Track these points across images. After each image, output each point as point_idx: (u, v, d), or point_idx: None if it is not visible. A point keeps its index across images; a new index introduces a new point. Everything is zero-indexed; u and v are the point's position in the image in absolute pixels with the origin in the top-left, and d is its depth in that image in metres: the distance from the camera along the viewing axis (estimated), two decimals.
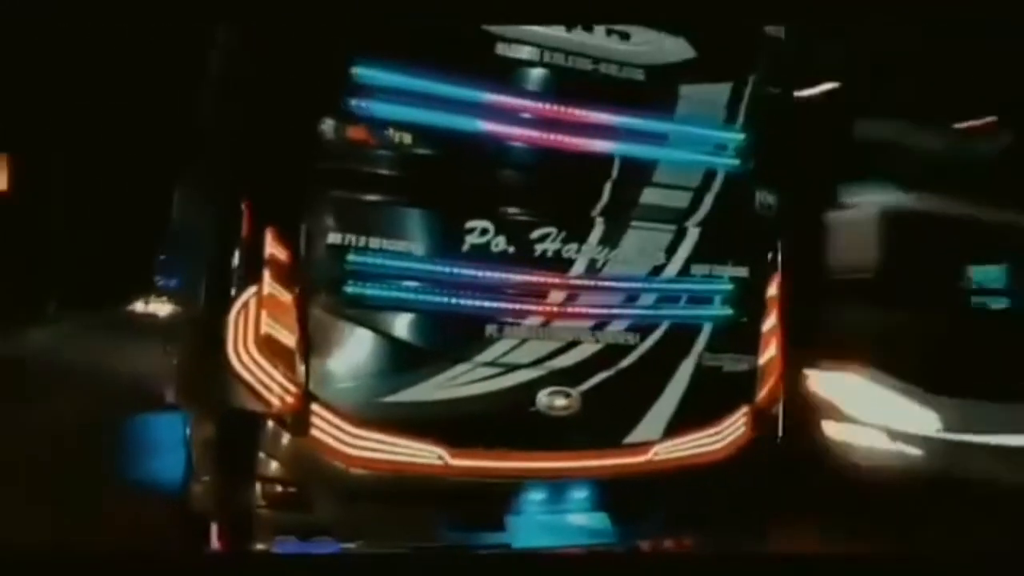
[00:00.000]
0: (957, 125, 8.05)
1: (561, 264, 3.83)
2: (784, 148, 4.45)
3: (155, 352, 12.37)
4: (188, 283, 6.21)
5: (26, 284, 29.58)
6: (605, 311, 3.94)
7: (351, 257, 3.53)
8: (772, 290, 4.32)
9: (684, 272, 4.08)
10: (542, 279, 3.80)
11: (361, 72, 3.51)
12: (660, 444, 3.96)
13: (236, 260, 3.59)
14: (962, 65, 9.42)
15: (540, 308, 3.81)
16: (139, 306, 44.16)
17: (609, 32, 3.87)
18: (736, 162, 4.20)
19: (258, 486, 3.48)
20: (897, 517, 5.28)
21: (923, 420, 5.74)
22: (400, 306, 3.64)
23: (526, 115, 3.77)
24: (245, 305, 3.46)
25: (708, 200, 4.11)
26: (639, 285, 4.01)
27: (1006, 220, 6.64)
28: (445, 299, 3.66)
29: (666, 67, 3.99)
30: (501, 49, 3.70)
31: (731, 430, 4.13)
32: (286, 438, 3.49)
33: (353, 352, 3.60)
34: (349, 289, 3.53)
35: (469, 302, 3.69)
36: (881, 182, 6.44)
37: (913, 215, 6.25)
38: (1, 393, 10.46)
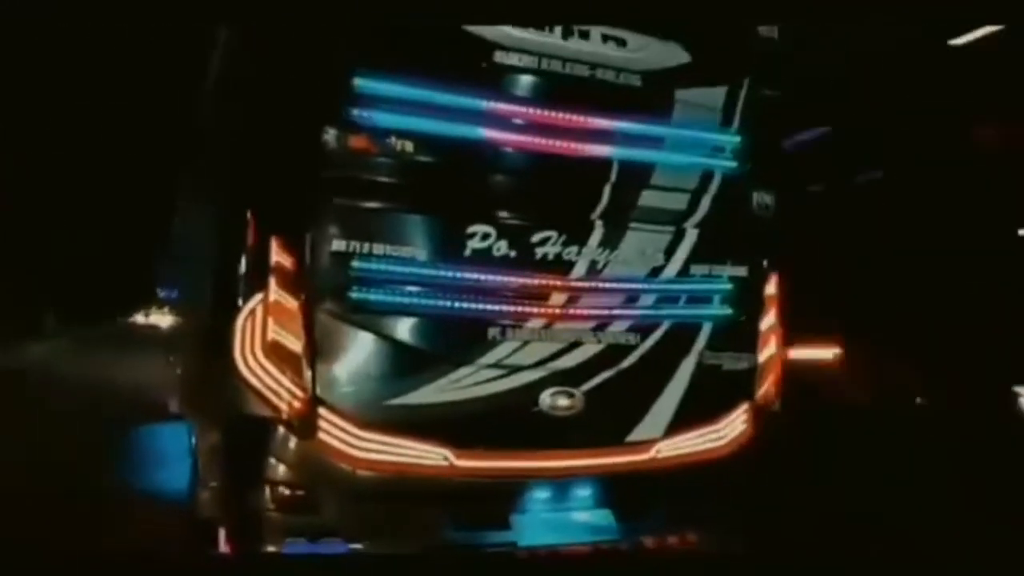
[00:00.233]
0: None
1: (562, 267, 3.89)
2: (779, 149, 4.52)
3: (157, 364, 12.42)
4: (191, 293, 6.26)
5: (24, 298, 29.49)
6: (606, 312, 4.00)
7: (355, 263, 3.58)
8: (770, 288, 4.38)
9: (683, 272, 4.14)
10: (543, 282, 3.86)
11: (362, 82, 3.58)
12: (662, 442, 4.02)
13: (242, 269, 3.64)
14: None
15: (542, 310, 3.87)
16: (140, 318, 44.07)
17: (605, 39, 3.94)
18: (733, 164, 4.27)
19: (267, 489, 3.54)
20: None
21: None
22: (404, 311, 3.69)
23: (525, 121, 3.84)
24: (252, 312, 3.52)
25: (706, 201, 4.18)
26: (639, 286, 4.07)
27: None
28: (448, 303, 3.72)
29: (662, 72, 4.06)
30: (499, 57, 3.77)
31: (732, 427, 4.19)
32: (294, 442, 3.54)
33: (358, 357, 3.65)
34: (354, 295, 3.59)
35: (472, 305, 3.75)
36: None
37: None
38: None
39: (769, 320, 4.36)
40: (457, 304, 3.73)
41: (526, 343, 3.82)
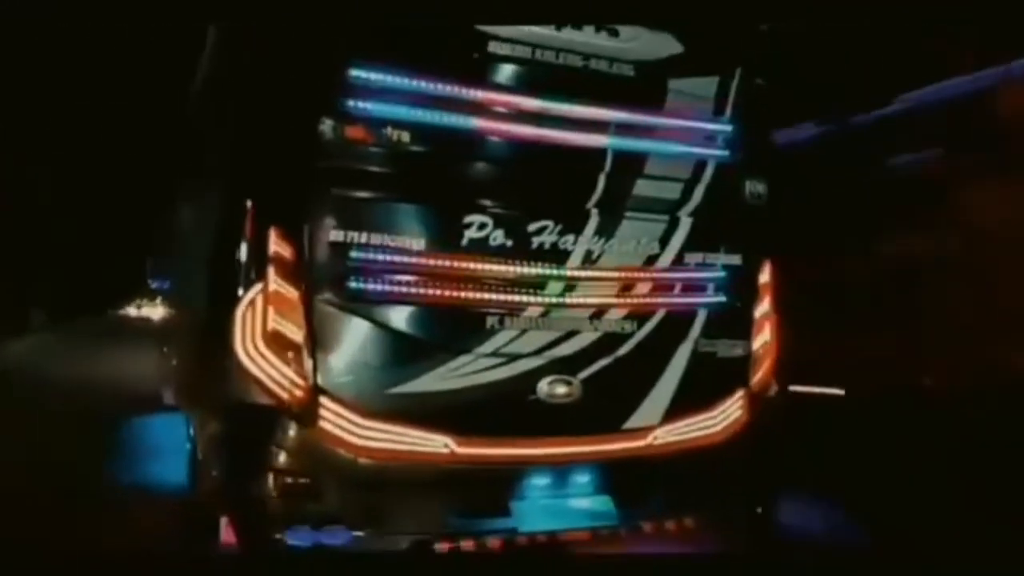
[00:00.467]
0: None
1: (558, 256, 3.93)
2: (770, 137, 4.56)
3: (149, 356, 12.38)
4: (187, 285, 6.25)
5: (10, 293, 29.24)
6: (602, 300, 4.04)
7: (353, 253, 3.61)
8: (764, 276, 4.42)
9: (678, 261, 4.19)
10: (540, 271, 3.90)
11: (358, 73, 3.61)
12: (659, 429, 4.06)
13: (241, 259, 3.66)
14: None
15: (539, 299, 3.91)
16: (131, 311, 43.87)
17: (598, 29, 3.98)
18: (725, 152, 4.32)
19: (270, 478, 3.57)
20: None
21: None
22: (402, 300, 3.72)
23: (519, 111, 3.87)
24: (252, 302, 3.54)
25: (699, 190, 4.23)
26: (635, 274, 4.12)
27: None
28: (446, 292, 3.75)
29: (655, 62, 4.11)
30: (494, 47, 3.80)
31: (728, 414, 4.24)
32: (296, 430, 3.57)
33: (358, 345, 3.68)
34: (352, 284, 3.62)
35: (470, 295, 3.79)
36: None
37: None
38: None
39: (763, 307, 4.40)
40: (455, 293, 3.76)
41: (524, 331, 3.86)
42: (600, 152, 4.00)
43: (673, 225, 4.18)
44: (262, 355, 3.52)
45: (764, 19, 4.51)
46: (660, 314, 4.14)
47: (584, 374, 3.92)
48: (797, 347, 4.69)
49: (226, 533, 3.86)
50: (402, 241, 3.69)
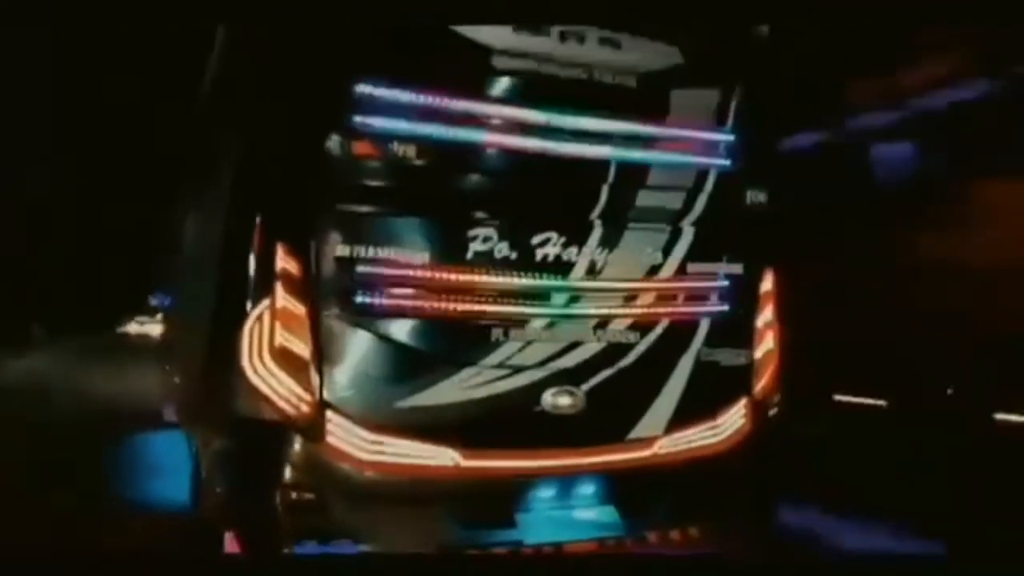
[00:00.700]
0: None
1: (562, 267, 3.95)
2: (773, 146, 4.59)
3: (150, 373, 12.37)
4: (191, 301, 6.28)
5: (10, 309, 29.16)
6: (606, 311, 4.06)
7: (360, 268, 3.64)
8: (766, 285, 4.45)
9: (681, 271, 4.21)
10: (544, 282, 3.93)
11: (364, 89, 3.64)
12: (663, 438, 4.08)
13: (247, 275, 3.68)
14: None
15: (543, 311, 3.93)
16: (132, 328, 43.75)
17: (601, 42, 4.01)
18: (727, 162, 4.34)
19: (278, 493, 3.58)
20: None
21: None
22: (408, 314, 3.74)
23: (523, 124, 3.90)
24: (259, 318, 3.57)
25: (701, 200, 4.25)
26: (638, 285, 4.14)
27: None
28: (451, 305, 3.77)
29: (657, 73, 4.14)
30: (498, 62, 3.84)
31: (731, 422, 4.25)
32: (303, 445, 3.58)
33: (365, 360, 3.70)
34: (358, 299, 3.64)
35: (475, 307, 3.81)
36: None
37: None
38: None
39: (765, 316, 4.42)
40: (460, 306, 3.78)
41: (528, 343, 3.88)
42: (603, 164, 4.03)
43: (676, 235, 4.20)
44: (269, 371, 3.54)
45: (764, 20, 4.54)
46: (663, 324, 4.16)
47: (588, 385, 3.94)
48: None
49: (230, 548, 3.88)
50: (408, 255, 3.72)
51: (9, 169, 26.11)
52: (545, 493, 3.92)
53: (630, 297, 4.13)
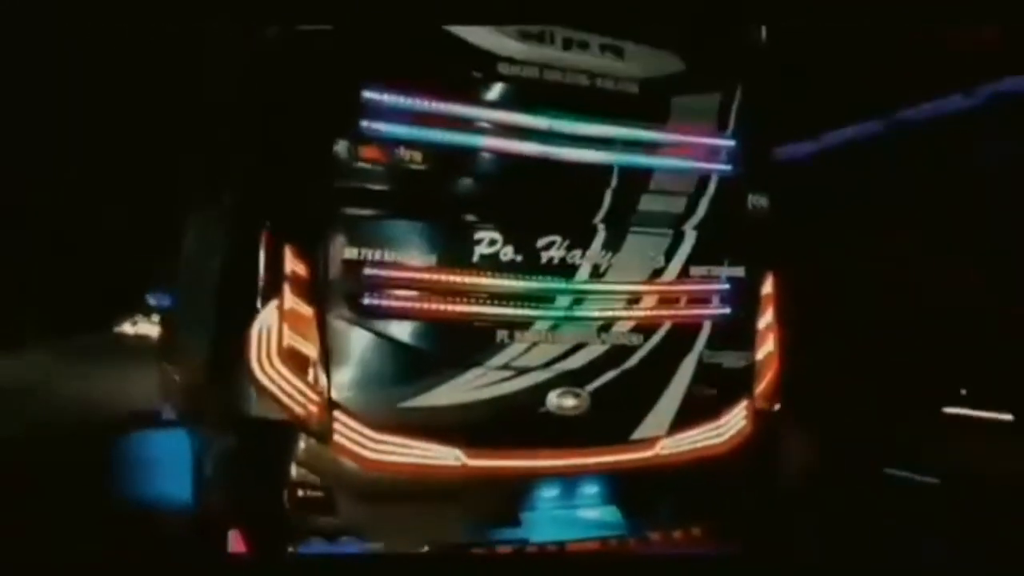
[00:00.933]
0: None
1: (566, 270, 4.00)
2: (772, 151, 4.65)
3: (146, 373, 12.32)
4: (193, 302, 6.30)
5: (3, 308, 28.93)
6: (609, 314, 4.12)
7: (367, 271, 3.68)
8: (767, 288, 4.51)
9: (683, 274, 4.26)
10: (549, 285, 3.98)
11: (371, 95, 3.69)
12: (666, 439, 4.13)
13: (255, 277, 3.72)
14: None
15: (548, 313, 3.98)
16: (128, 328, 43.61)
17: (603, 49, 4.08)
18: (728, 167, 4.40)
19: (285, 491, 3.63)
20: None
21: None
22: (415, 316, 3.78)
23: (528, 130, 3.95)
24: (267, 319, 3.61)
25: (703, 204, 4.30)
26: (641, 288, 4.19)
27: None
28: (457, 307, 3.82)
29: (658, 80, 4.20)
30: (502, 69, 3.89)
31: (733, 424, 4.31)
32: (310, 445, 3.63)
33: (372, 361, 3.74)
34: (365, 301, 3.69)
35: (480, 309, 3.86)
36: None
37: None
38: None
39: (766, 319, 4.48)
40: (466, 308, 3.83)
41: (533, 345, 3.93)
42: (606, 168, 4.09)
43: (678, 239, 4.25)
44: (277, 371, 3.59)
45: (764, 20, 4.59)
46: (666, 326, 4.21)
47: (592, 386, 3.99)
48: None
49: (234, 546, 3.92)
50: (414, 258, 3.76)
51: (4, 166, 26.00)
52: (549, 493, 3.97)
53: (633, 300, 4.17)
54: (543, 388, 3.91)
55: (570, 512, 4.02)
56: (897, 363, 8.22)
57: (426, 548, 3.74)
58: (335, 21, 3.65)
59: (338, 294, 3.67)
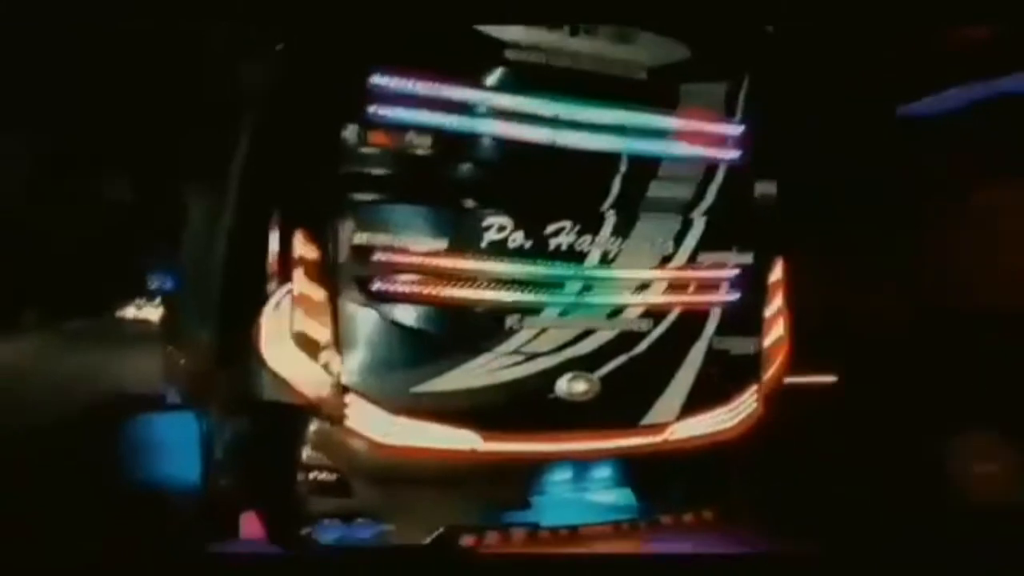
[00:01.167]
0: None
1: (576, 256, 4.01)
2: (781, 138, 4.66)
3: (150, 356, 12.33)
4: (201, 284, 6.31)
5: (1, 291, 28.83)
6: (619, 300, 4.14)
7: (377, 256, 3.70)
8: (776, 274, 4.53)
9: (692, 260, 4.27)
10: (558, 271, 3.99)
11: (381, 81, 3.69)
12: (676, 423, 4.16)
13: (265, 262, 3.74)
14: None
15: (557, 299, 4.00)
16: (130, 312, 43.61)
17: (612, 36, 4.07)
18: (737, 153, 4.41)
19: (300, 474, 3.67)
20: None
21: None
22: (425, 301, 3.80)
23: (537, 116, 3.95)
24: (278, 304, 3.64)
25: (712, 191, 4.31)
26: (650, 274, 4.21)
27: None
28: (468, 293, 3.84)
29: (667, 67, 4.19)
30: (511, 55, 3.89)
31: (742, 408, 4.34)
32: (324, 428, 3.68)
33: (382, 345, 3.77)
34: (375, 286, 3.71)
35: (490, 295, 3.87)
36: None
37: None
38: None
39: (775, 304, 4.50)
40: (476, 294, 3.85)
41: (543, 330, 3.95)
42: (615, 155, 4.09)
43: (687, 225, 4.26)
44: (290, 355, 3.62)
45: (768, 19, 4.60)
46: (675, 312, 4.23)
47: (602, 372, 4.02)
48: None
49: (247, 528, 3.97)
50: (424, 243, 3.78)
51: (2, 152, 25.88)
52: (561, 476, 4.02)
53: (642, 286, 4.19)
54: (553, 373, 3.94)
55: (582, 496, 4.07)
56: None
57: (440, 530, 3.78)
58: (346, 8, 3.65)
59: (348, 279, 3.69)
